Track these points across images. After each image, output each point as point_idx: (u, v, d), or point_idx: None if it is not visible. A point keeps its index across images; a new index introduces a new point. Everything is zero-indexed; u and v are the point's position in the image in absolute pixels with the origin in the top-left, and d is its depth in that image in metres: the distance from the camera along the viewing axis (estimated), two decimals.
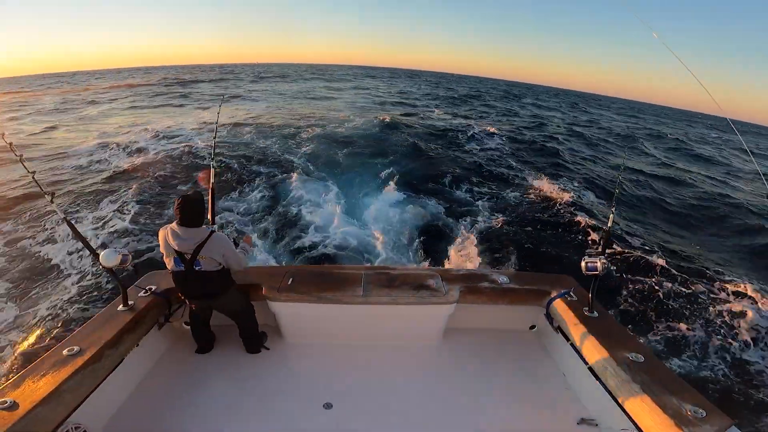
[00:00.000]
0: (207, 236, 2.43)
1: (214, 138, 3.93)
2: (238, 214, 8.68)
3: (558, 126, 24.81)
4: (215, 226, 2.90)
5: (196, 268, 2.45)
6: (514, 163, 13.94)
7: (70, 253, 6.61)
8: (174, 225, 2.41)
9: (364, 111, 23.30)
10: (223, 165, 11.38)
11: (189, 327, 2.94)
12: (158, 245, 2.58)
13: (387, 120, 19.32)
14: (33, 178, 2.37)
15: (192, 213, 2.39)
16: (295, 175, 10.81)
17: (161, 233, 2.46)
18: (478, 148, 16.09)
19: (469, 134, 18.34)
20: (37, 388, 1.86)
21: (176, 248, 2.40)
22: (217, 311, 2.83)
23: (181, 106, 25.56)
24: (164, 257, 2.52)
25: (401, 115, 22.45)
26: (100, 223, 8.03)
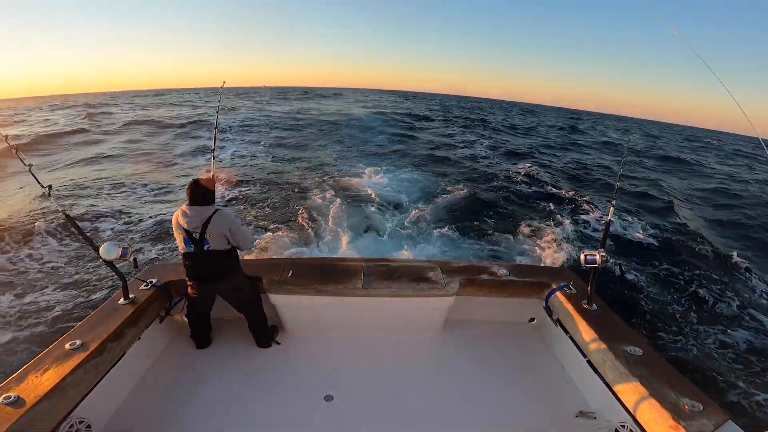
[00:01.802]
0: (212, 213, 2.53)
1: (215, 129, 3.97)
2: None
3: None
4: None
5: (206, 247, 2.54)
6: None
7: (69, 247, 6.61)
8: (184, 206, 2.55)
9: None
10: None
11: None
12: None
13: None
14: (30, 171, 2.35)
15: (200, 192, 2.53)
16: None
17: (174, 216, 2.60)
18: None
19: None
20: (40, 382, 1.87)
21: (185, 226, 2.51)
22: (225, 299, 2.82)
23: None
24: (177, 241, 2.61)
25: None
26: (102, 217, 8.03)
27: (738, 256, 7.66)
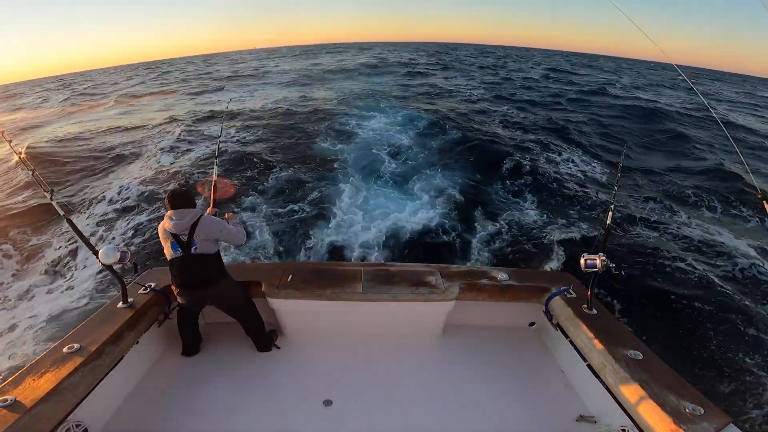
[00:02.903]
0: (198, 216, 2.56)
1: (219, 135, 4.04)
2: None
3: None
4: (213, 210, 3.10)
5: (193, 250, 2.54)
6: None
7: (69, 250, 6.62)
8: (169, 212, 2.57)
9: None
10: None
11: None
12: (157, 241, 2.63)
13: None
14: (33, 175, 2.37)
15: (180, 196, 2.58)
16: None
17: (160, 226, 2.61)
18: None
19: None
20: (37, 386, 1.86)
21: (172, 230, 2.52)
22: (216, 306, 2.82)
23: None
24: (164, 249, 2.62)
25: None
26: (100, 220, 8.05)
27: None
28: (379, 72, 34.14)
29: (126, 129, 17.16)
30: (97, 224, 7.84)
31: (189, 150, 13.37)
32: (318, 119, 15.25)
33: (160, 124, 16.71)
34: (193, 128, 15.62)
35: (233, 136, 13.16)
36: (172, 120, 17.43)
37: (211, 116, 17.22)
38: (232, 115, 16.14)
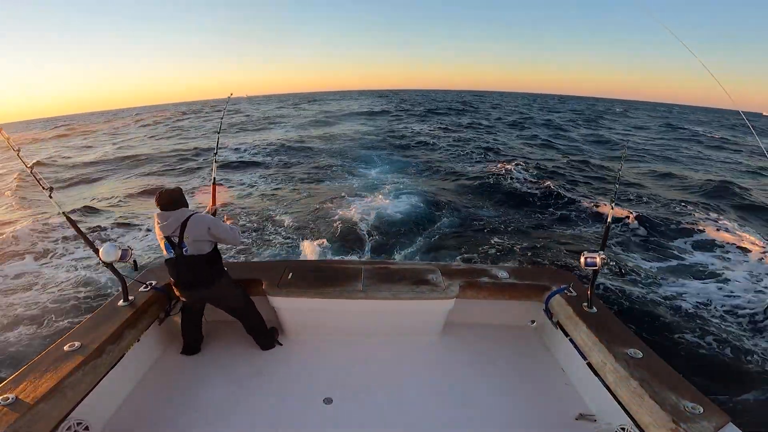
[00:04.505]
0: (187, 216, 2.51)
1: (218, 132, 4.03)
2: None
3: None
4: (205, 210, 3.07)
5: (184, 252, 2.52)
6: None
7: (69, 249, 6.62)
8: (156, 214, 2.56)
9: None
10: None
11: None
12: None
13: None
14: (31, 173, 2.36)
15: (168, 198, 2.53)
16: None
17: (154, 225, 2.61)
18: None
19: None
20: (38, 384, 1.86)
21: (161, 233, 2.52)
22: (215, 306, 2.82)
23: None
24: (161, 247, 2.62)
25: None
26: (101, 219, 8.04)
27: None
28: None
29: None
30: (98, 224, 7.82)
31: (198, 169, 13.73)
32: (322, 165, 15.53)
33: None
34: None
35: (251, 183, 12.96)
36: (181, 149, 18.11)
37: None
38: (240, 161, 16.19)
